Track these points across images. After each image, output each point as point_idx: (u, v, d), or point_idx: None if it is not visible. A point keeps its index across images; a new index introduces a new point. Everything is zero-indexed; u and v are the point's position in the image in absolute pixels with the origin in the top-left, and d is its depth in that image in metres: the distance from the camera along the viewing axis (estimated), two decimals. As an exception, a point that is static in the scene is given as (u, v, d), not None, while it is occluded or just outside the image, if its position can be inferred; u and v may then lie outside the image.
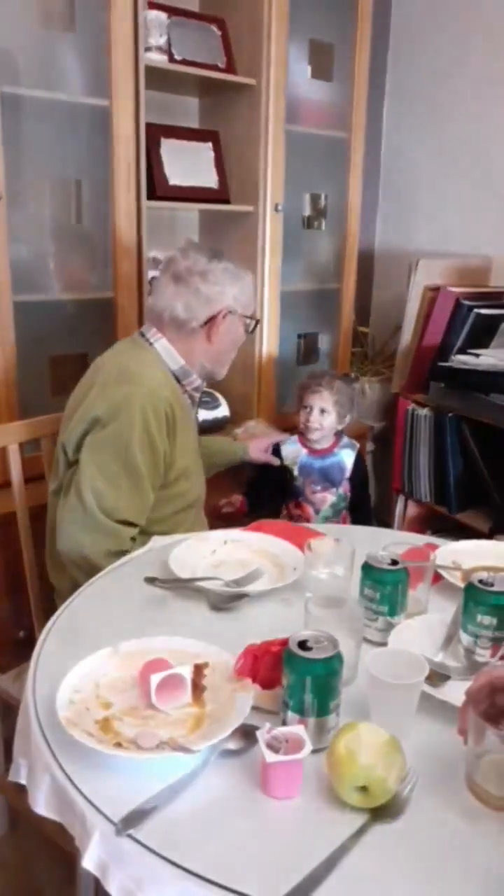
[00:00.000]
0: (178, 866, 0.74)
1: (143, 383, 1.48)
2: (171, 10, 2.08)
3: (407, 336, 2.45)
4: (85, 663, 1.00)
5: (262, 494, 2.10)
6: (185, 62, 2.09)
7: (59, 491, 1.53)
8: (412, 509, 2.49)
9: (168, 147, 2.17)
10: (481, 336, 2.29)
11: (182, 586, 1.26)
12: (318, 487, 2.05)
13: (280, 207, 2.27)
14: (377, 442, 2.75)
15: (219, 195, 2.28)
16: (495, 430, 2.12)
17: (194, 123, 2.41)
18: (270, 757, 0.81)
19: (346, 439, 2.09)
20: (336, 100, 2.43)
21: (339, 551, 1.26)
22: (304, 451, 2.05)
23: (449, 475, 2.27)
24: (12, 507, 1.63)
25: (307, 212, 2.46)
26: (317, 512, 2.06)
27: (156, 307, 1.60)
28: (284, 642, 0.92)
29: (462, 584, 1.16)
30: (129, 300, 2.00)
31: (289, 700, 0.89)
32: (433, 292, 2.36)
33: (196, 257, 1.58)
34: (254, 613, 1.21)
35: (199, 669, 0.99)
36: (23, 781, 0.94)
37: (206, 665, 1.00)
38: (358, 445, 2.10)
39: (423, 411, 2.32)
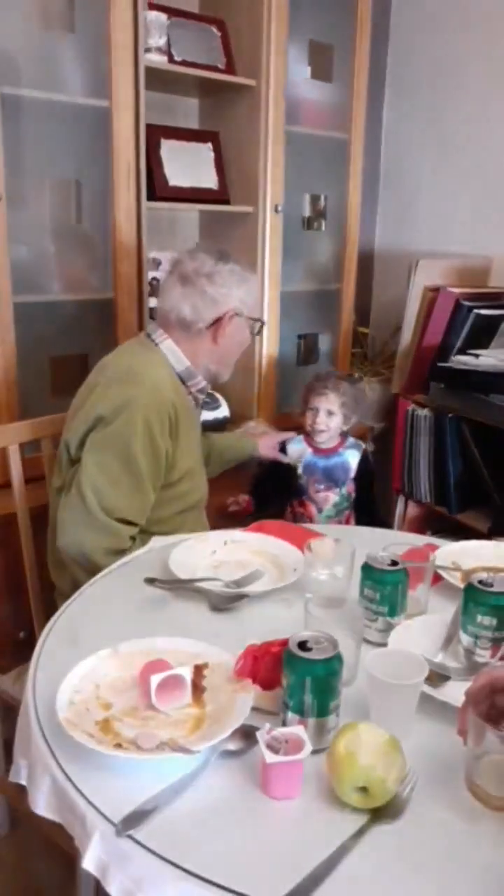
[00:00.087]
0: (178, 867, 0.74)
1: (146, 384, 1.49)
2: (171, 11, 2.08)
3: (407, 336, 2.45)
4: (85, 664, 1.00)
5: (268, 493, 2.11)
6: (184, 63, 2.09)
7: (62, 489, 1.54)
8: (412, 510, 2.49)
9: (168, 148, 2.17)
10: (481, 336, 2.29)
11: (182, 587, 1.26)
12: (322, 486, 2.05)
13: (280, 208, 2.27)
14: (377, 442, 2.74)
15: (219, 196, 2.28)
16: (495, 431, 2.12)
17: (194, 124, 2.41)
18: (270, 757, 0.81)
19: (351, 440, 2.10)
20: (336, 100, 2.43)
21: (338, 552, 1.26)
22: (310, 450, 2.06)
23: (449, 475, 2.27)
24: (12, 507, 1.63)
25: (307, 212, 2.46)
26: (319, 511, 2.07)
27: (162, 308, 1.61)
28: (284, 643, 0.92)
29: (462, 585, 1.16)
30: (129, 301, 2.00)
31: (289, 701, 0.90)
32: (433, 293, 2.36)
33: (203, 259, 1.59)
34: (254, 614, 1.21)
35: (199, 670, 0.99)
36: (23, 782, 0.94)
37: (206, 666, 1.00)
38: (364, 446, 2.10)
39: (423, 412, 2.32)
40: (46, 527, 1.65)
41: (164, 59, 2.02)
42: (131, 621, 1.17)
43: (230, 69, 2.21)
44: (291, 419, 2.43)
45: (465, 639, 1.08)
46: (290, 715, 0.90)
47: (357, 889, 0.73)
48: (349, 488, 2.07)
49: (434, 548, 1.38)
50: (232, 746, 0.89)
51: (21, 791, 0.95)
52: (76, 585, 1.35)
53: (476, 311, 2.24)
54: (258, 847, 0.77)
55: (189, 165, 2.21)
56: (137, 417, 1.46)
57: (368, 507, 2.12)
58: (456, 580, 1.29)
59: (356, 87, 2.44)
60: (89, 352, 1.99)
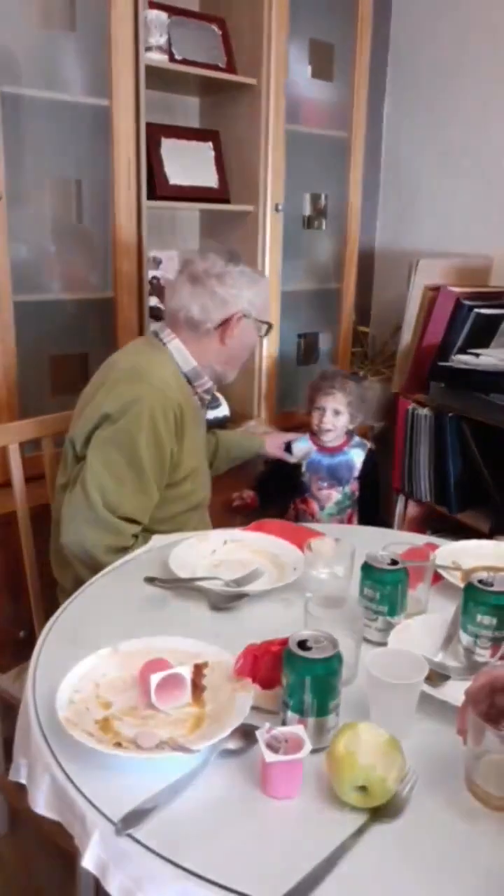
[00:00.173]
0: (177, 866, 0.74)
1: (153, 383, 1.49)
2: (172, 10, 2.08)
3: (407, 336, 2.45)
4: (85, 663, 1.00)
5: (273, 490, 2.13)
6: (185, 62, 2.09)
7: (67, 486, 1.54)
8: (412, 509, 2.49)
9: (168, 147, 2.17)
10: (481, 336, 2.28)
11: (182, 586, 1.26)
12: (325, 484, 2.06)
13: (280, 207, 2.27)
14: (377, 442, 2.74)
15: (219, 195, 2.28)
16: (495, 430, 2.12)
17: (194, 123, 2.41)
18: (270, 757, 0.81)
19: (356, 439, 2.11)
20: (336, 100, 2.43)
21: (338, 551, 1.26)
22: (315, 448, 2.07)
23: (449, 475, 2.27)
24: (13, 506, 1.63)
25: (307, 212, 2.46)
26: (321, 508, 2.08)
27: (171, 307, 1.61)
28: (284, 642, 0.92)
29: (462, 584, 1.16)
30: (129, 300, 2.00)
31: (288, 700, 0.90)
32: (433, 292, 2.36)
33: (214, 259, 1.60)
34: (254, 613, 1.21)
35: (198, 669, 0.99)
36: (23, 781, 0.94)
37: (205, 665, 1.00)
38: (368, 445, 2.11)
39: (424, 411, 2.32)
40: (47, 526, 1.65)
41: (165, 57, 2.02)
42: (131, 620, 1.17)
43: (231, 68, 2.21)
44: (291, 418, 2.44)
45: (465, 638, 1.08)
46: (289, 714, 0.90)
47: (356, 888, 0.73)
48: (352, 487, 2.07)
49: (434, 547, 1.38)
50: (232, 746, 0.89)
51: (21, 790, 0.95)
52: (78, 582, 1.36)
53: (476, 310, 2.24)
54: (258, 846, 0.77)
55: (189, 164, 2.21)
56: (143, 416, 1.46)
57: (372, 507, 2.13)
58: (456, 579, 1.29)
59: (356, 86, 2.44)
60: (89, 351, 1.99)
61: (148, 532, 1.53)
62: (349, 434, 2.09)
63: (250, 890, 0.72)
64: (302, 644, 0.90)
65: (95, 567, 1.41)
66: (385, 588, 1.12)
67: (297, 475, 2.08)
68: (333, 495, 2.07)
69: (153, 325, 1.69)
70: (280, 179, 2.26)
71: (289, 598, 1.24)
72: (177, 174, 2.16)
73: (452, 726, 0.87)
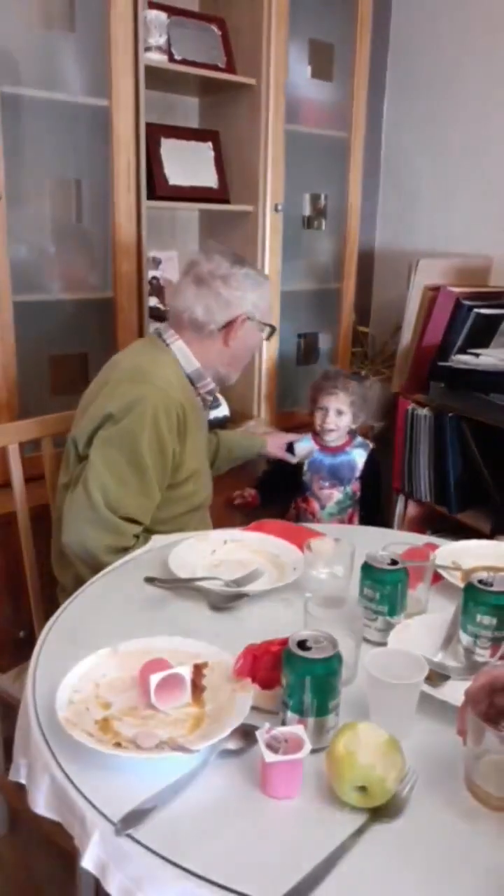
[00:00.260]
0: (177, 866, 0.74)
1: (156, 383, 1.50)
2: (171, 10, 2.08)
3: (407, 336, 2.45)
4: (84, 663, 1.00)
5: (274, 489, 2.13)
6: (184, 62, 2.09)
7: (69, 485, 1.54)
8: (412, 509, 2.49)
9: (168, 147, 2.17)
10: (481, 336, 2.28)
11: (182, 586, 1.26)
12: (326, 484, 2.07)
13: (280, 207, 2.27)
14: (377, 442, 2.74)
15: (219, 195, 2.28)
16: (495, 430, 2.12)
17: (194, 123, 2.41)
18: (270, 757, 0.81)
19: (359, 439, 2.11)
20: (336, 100, 2.43)
21: (338, 551, 1.26)
22: (317, 448, 2.07)
23: (449, 475, 2.27)
24: (12, 507, 1.63)
25: (307, 212, 2.46)
26: (322, 508, 2.08)
27: (175, 308, 1.62)
28: (284, 642, 0.92)
29: (462, 584, 1.16)
30: (129, 300, 2.00)
31: (288, 700, 0.90)
32: (433, 292, 2.36)
33: (219, 261, 1.60)
34: (253, 613, 1.21)
35: (198, 669, 0.99)
36: (23, 781, 0.94)
37: (205, 665, 1.00)
38: (371, 445, 2.11)
39: (423, 411, 2.32)
40: (46, 526, 1.65)
41: (165, 58, 2.02)
42: (131, 620, 1.17)
43: (230, 68, 2.21)
44: (291, 418, 2.44)
45: (465, 638, 1.08)
46: (289, 714, 0.90)
47: (356, 888, 0.73)
48: (354, 487, 2.08)
49: (434, 547, 1.38)
50: (231, 746, 0.89)
51: (21, 790, 0.95)
52: (79, 582, 1.36)
53: (476, 310, 2.24)
54: (257, 846, 0.77)
55: (189, 164, 2.21)
56: (146, 416, 1.46)
57: (373, 507, 2.13)
58: (456, 579, 1.29)
59: (356, 86, 2.44)
60: (89, 351, 2.00)
61: (149, 532, 1.53)
62: (351, 434, 2.10)
63: (250, 890, 0.72)
64: (301, 644, 0.90)
65: (96, 567, 1.41)
66: (385, 588, 1.12)
67: (298, 474, 2.09)
68: (335, 495, 2.07)
69: (157, 326, 1.69)
70: (280, 179, 2.26)
71: (288, 598, 1.24)
72: (176, 174, 2.16)
73: (452, 726, 0.87)
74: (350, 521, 2.10)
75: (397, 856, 0.76)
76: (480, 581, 1.08)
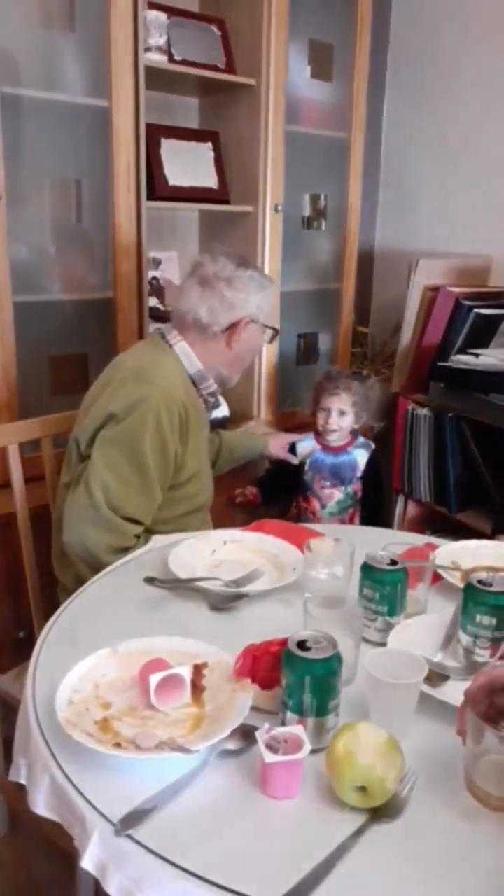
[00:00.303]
0: (177, 866, 0.74)
1: (159, 384, 1.50)
2: (171, 11, 2.08)
3: (407, 336, 2.45)
4: (84, 663, 1.00)
5: (276, 488, 2.14)
6: (184, 62, 2.09)
7: (70, 484, 1.55)
8: (412, 509, 2.49)
9: (168, 147, 2.17)
10: (481, 336, 2.28)
11: (182, 586, 1.26)
12: (328, 483, 2.07)
13: (280, 207, 2.27)
14: (377, 442, 2.74)
15: (219, 195, 2.28)
16: (495, 430, 2.12)
17: (194, 123, 2.41)
18: (269, 757, 0.81)
19: (361, 439, 2.11)
20: (336, 100, 2.43)
21: (338, 551, 1.26)
22: (319, 447, 2.08)
23: (449, 475, 2.27)
24: (12, 507, 1.63)
25: (307, 212, 2.46)
26: (323, 507, 2.08)
27: (179, 309, 1.62)
28: (283, 642, 0.92)
29: (461, 585, 1.16)
30: (129, 300, 2.00)
31: (288, 700, 0.90)
32: (433, 292, 2.36)
33: (224, 263, 1.60)
34: (253, 614, 1.21)
35: (198, 670, 0.99)
36: (22, 782, 0.94)
37: (205, 665, 1.00)
38: (373, 446, 2.11)
39: (423, 411, 2.32)
40: (46, 526, 1.65)
41: (164, 58, 2.02)
42: (131, 621, 1.17)
43: (230, 69, 2.21)
44: (291, 418, 2.44)
45: (465, 638, 1.08)
46: (289, 714, 0.90)
47: (356, 888, 0.73)
48: (355, 487, 2.08)
49: (434, 547, 1.38)
50: (231, 746, 0.89)
51: (21, 790, 0.95)
52: (80, 581, 1.36)
53: (476, 310, 2.24)
54: (257, 846, 0.77)
55: (189, 165, 2.21)
56: (149, 416, 1.46)
57: (374, 507, 2.13)
58: (455, 580, 1.29)
59: (356, 86, 2.44)
60: (89, 351, 2.00)
61: (150, 533, 1.53)
62: (354, 434, 2.10)
63: (250, 890, 0.72)
64: (301, 644, 0.90)
65: (97, 566, 1.42)
66: (384, 588, 1.13)
67: (299, 474, 2.09)
68: (335, 495, 2.07)
69: (160, 327, 1.69)
70: (280, 180, 2.26)
71: (288, 598, 1.24)
72: (176, 175, 2.16)
73: (452, 726, 0.87)
74: (351, 521, 2.10)
75: (397, 856, 0.76)
76: (480, 581, 1.08)
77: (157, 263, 2.30)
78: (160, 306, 2.24)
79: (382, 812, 0.81)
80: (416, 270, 2.37)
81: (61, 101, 1.81)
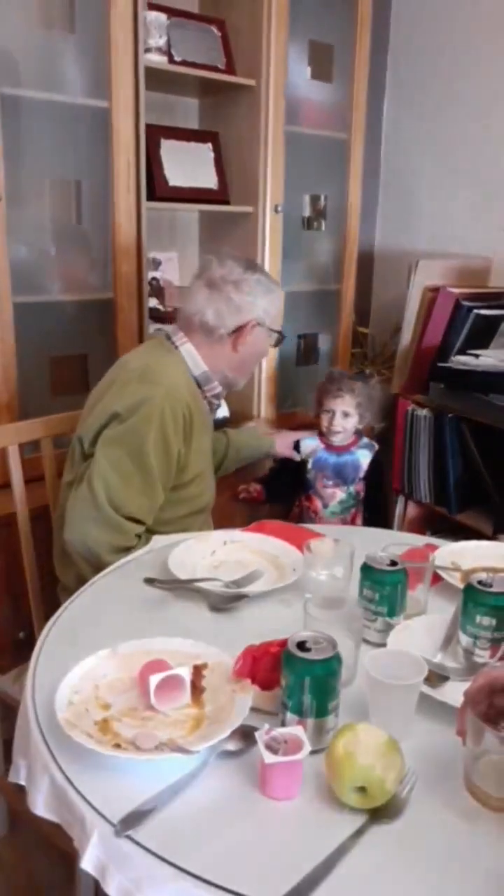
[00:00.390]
0: (176, 867, 0.74)
1: (164, 384, 1.50)
2: (171, 11, 2.08)
3: (407, 336, 2.45)
4: (84, 664, 1.00)
5: (279, 486, 2.14)
6: (184, 63, 2.09)
7: (73, 483, 1.55)
8: (412, 510, 2.49)
9: (168, 148, 2.17)
10: (481, 337, 2.28)
11: (181, 587, 1.26)
12: (330, 483, 2.07)
13: (280, 208, 2.27)
14: (378, 442, 2.75)
15: (219, 196, 2.28)
16: (495, 431, 2.12)
17: (194, 124, 2.41)
18: (269, 758, 0.81)
19: (365, 440, 2.12)
20: (336, 100, 2.43)
21: (338, 552, 1.26)
22: (322, 446, 2.08)
23: (449, 476, 2.27)
24: (12, 508, 1.63)
25: (307, 212, 2.46)
26: (325, 506, 2.08)
27: (186, 311, 1.62)
28: (283, 643, 0.92)
29: (461, 585, 1.16)
30: (129, 301, 2.00)
31: (288, 701, 0.90)
32: (433, 293, 2.35)
33: (232, 266, 1.61)
34: (253, 614, 1.21)
35: (198, 670, 0.99)
36: (22, 782, 0.94)
37: (205, 666, 1.00)
38: (376, 446, 2.12)
39: (423, 412, 2.32)
40: (46, 527, 1.65)
41: (164, 59, 2.02)
42: (130, 621, 1.17)
43: (230, 69, 2.21)
44: (291, 419, 2.44)
45: (465, 639, 1.08)
46: (288, 715, 0.90)
47: (356, 889, 0.73)
48: (357, 487, 2.08)
49: (433, 548, 1.38)
50: (231, 747, 0.89)
51: (20, 791, 0.95)
52: (81, 581, 1.36)
53: (476, 311, 2.24)
54: (257, 847, 0.77)
55: (189, 165, 2.21)
56: (153, 416, 1.47)
57: (376, 508, 2.13)
58: (455, 580, 1.29)
59: (356, 87, 2.44)
60: (89, 352, 2.00)
61: (152, 533, 1.53)
62: (358, 434, 2.10)
63: (250, 891, 0.72)
64: (301, 645, 0.90)
65: (98, 565, 1.42)
66: (384, 589, 1.13)
67: (303, 472, 2.09)
68: (338, 494, 2.07)
69: (164, 328, 1.69)
70: (279, 180, 2.26)
71: (288, 599, 1.24)
72: (176, 175, 2.16)
73: (452, 727, 0.87)
74: (353, 522, 2.10)
75: (397, 857, 0.76)
76: (480, 582, 1.08)
77: (156, 264, 2.31)
78: (160, 307, 2.24)
79: (382, 813, 0.81)
80: (416, 271, 2.37)
81: (61, 102, 1.81)
